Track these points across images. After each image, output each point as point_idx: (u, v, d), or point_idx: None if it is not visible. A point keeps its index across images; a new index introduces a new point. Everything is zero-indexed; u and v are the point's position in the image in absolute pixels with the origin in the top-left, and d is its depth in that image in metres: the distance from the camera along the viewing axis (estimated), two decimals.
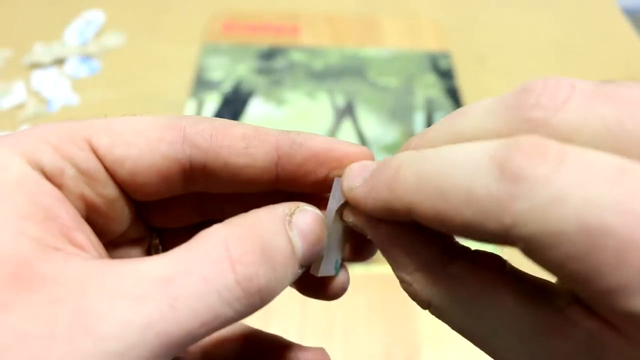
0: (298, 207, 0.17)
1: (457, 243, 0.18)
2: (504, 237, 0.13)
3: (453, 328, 0.17)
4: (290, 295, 0.45)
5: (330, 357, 0.21)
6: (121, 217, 0.18)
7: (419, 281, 0.17)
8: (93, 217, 0.17)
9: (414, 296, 0.17)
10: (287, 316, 0.43)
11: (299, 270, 0.16)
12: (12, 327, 0.12)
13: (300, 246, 0.16)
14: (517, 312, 0.15)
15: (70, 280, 0.13)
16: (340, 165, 0.18)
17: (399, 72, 0.65)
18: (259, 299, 0.15)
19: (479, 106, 0.15)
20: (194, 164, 0.17)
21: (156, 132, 0.17)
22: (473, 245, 0.17)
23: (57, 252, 0.14)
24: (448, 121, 0.16)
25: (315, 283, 0.20)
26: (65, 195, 0.16)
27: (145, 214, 0.20)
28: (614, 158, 0.12)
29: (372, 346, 0.42)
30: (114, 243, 0.19)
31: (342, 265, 0.21)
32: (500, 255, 0.17)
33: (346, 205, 0.18)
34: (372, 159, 0.19)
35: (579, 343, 0.14)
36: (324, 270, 0.19)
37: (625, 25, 0.74)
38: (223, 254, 0.14)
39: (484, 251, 0.17)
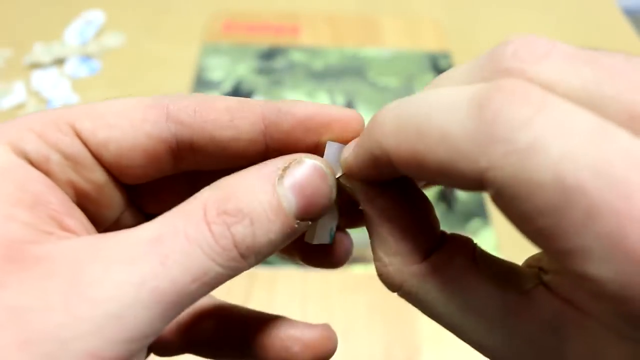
0: (295, 159, 0.16)
1: (438, 229, 0.18)
2: (477, 182, 0.12)
3: (423, 311, 0.17)
4: (291, 295, 0.45)
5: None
6: (112, 202, 0.18)
7: (395, 264, 0.17)
8: (84, 203, 0.17)
9: (386, 277, 0.17)
10: (287, 316, 0.43)
11: (296, 225, 0.16)
12: (6, 304, 0.13)
13: (292, 200, 0.16)
14: (486, 296, 0.15)
15: (62, 255, 0.14)
16: (329, 130, 0.18)
17: (399, 72, 0.65)
18: (238, 254, 0.15)
19: (461, 65, 0.15)
20: (180, 141, 0.17)
21: (139, 113, 0.17)
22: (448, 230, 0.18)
23: (49, 236, 0.14)
24: (432, 83, 0.16)
25: (317, 251, 0.20)
26: (54, 181, 0.16)
27: (139, 201, 0.20)
28: (595, 116, 0.11)
29: (372, 346, 0.42)
30: (108, 231, 0.19)
31: (338, 232, 0.20)
32: (471, 239, 0.18)
33: (343, 175, 0.18)
34: (362, 122, 0.18)
35: (544, 324, 0.14)
36: (320, 238, 0.19)
37: (625, 25, 0.74)
38: (201, 214, 0.15)
39: (459, 235, 0.18)
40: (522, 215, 0.12)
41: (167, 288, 0.13)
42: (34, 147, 0.16)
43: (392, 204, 0.17)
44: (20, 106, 0.60)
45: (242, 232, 0.15)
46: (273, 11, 0.73)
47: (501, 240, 0.49)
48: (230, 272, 0.15)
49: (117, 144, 0.17)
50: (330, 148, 0.18)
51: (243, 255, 0.15)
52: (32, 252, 0.13)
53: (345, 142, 0.18)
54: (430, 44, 0.69)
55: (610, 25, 0.75)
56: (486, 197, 0.53)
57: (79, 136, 0.16)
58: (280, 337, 0.21)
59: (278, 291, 0.45)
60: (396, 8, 0.76)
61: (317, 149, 0.18)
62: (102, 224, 0.18)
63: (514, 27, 0.74)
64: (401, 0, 0.77)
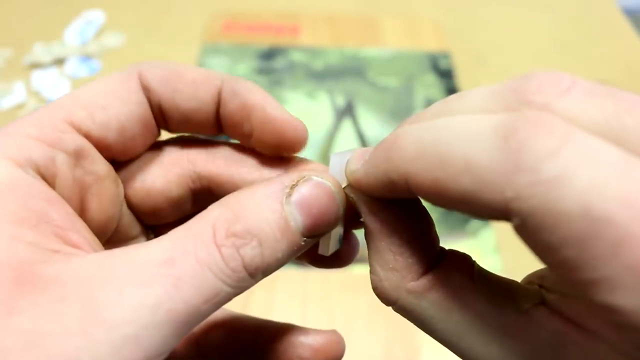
0: (303, 177, 0.16)
1: (438, 245, 0.17)
2: (501, 211, 0.12)
3: (418, 326, 0.17)
4: (291, 296, 0.45)
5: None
6: (113, 195, 0.18)
7: (392, 279, 0.17)
8: (87, 199, 0.17)
9: (381, 292, 0.17)
10: (287, 316, 0.43)
11: (302, 243, 0.16)
12: (23, 329, 0.13)
13: (299, 218, 0.16)
14: (484, 314, 0.15)
15: (74, 276, 0.14)
16: (262, 127, 0.18)
17: (399, 72, 0.65)
18: (248, 275, 0.15)
19: (478, 90, 0.15)
20: (153, 105, 0.18)
21: (121, 86, 0.18)
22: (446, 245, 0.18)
23: (56, 254, 0.14)
24: (445, 102, 0.15)
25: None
26: (60, 183, 0.16)
27: (139, 213, 0.20)
28: (619, 149, 0.12)
29: (372, 346, 0.42)
30: (110, 242, 0.19)
31: (345, 238, 0.20)
32: (470, 256, 0.17)
33: (348, 185, 0.18)
34: (305, 134, 0.19)
35: (544, 343, 0.14)
36: (332, 248, 0.19)
37: (625, 25, 0.74)
38: (210, 236, 0.15)
39: (456, 252, 0.17)
40: (547, 245, 0.12)
41: (181, 309, 0.14)
42: (39, 153, 0.16)
43: (394, 218, 0.17)
44: (20, 106, 0.60)
45: (251, 253, 0.15)
46: (273, 11, 0.73)
47: (501, 240, 0.49)
48: (239, 291, 0.15)
49: (117, 120, 0.17)
50: (335, 159, 0.18)
51: (251, 275, 0.15)
52: (42, 273, 0.14)
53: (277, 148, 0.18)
54: (430, 44, 0.69)
55: (610, 25, 0.75)
56: None
57: (77, 129, 0.17)
58: (291, 345, 0.21)
59: (278, 291, 0.45)
60: (396, 8, 0.76)
61: (249, 138, 0.18)
62: (105, 226, 0.19)
63: (513, 27, 0.74)
64: (401, 1, 0.77)
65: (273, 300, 0.45)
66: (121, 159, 0.19)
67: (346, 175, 0.18)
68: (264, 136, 0.19)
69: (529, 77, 0.14)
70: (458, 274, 0.16)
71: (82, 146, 0.17)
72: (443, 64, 0.66)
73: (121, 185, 0.19)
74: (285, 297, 0.45)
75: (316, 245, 0.18)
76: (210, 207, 0.16)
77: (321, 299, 0.45)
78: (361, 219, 0.18)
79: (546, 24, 0.75)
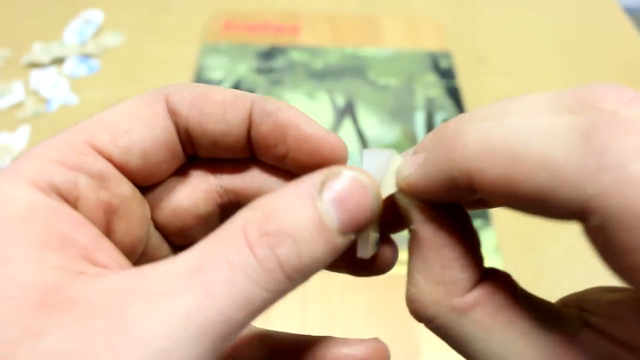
0: (333, 172, 0.16)
1: (483, 264, 0.17)
2: (579, 209, 0.12)
3: (452, 346, 0.16)
4: (291, 296, 0.45)
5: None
6: (140, 216, 0.18)
7: (435, 293, 0.16)
8: (114, 222, 0.17)
9: (419, 306, 0.16)
10: (287, 316, 0.43)
11: (340, 241, 0.15)
12: (49, 350, 0.12)
13: (334, 215, 0.15)
14: (529, 334, 0.15)
15: (100, 295, 0.13)
16: (299, 145, 0.17)
17: (399, 72, 0.65)
18: (285, 276, 0.14)
19: (534, 95, 0.15)
20: (180, 130, 0.18)
21: (146, 110, 0.17)
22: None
23: (82, 276, 0.14)
24: (500, 105, 0.15)
25: (363, 261, 0.19)
26: (83, 205, 0.16)
27: (167, 233, 0.20)
28: None
29: None
30: (139, 264, 0.19)
31: (384, 241, 0.19)
32: (510, 275, 0.17)
33: (398, 191, 0.18)
34: (345, 150, 0.18)
35: None
36: (371, 250, 0.18)
37: (626, 24, 0.74)
38: (242, 238, 0.14)
39: (498, 270, 0.17)
40: (625, 247, 0.11)
41: (214, 319, 0.13)
42: (60, 176, 0.15)
43: (447, 229, 0.16)
44: (18, 105, 0.60)
45: (287, 252, 0.14)
46: (273, 11, 0.73)
47: (501, 241, 0.49)
48: (276, 296, 0.14)
49: (140, 145, 0.17)
50: (369, 156, 0.17)
51: (289, 277, 0.14)
52: (68, 294, 0.13)
53: (315, 166, 0.17)
54: (431, 43, 0.69)
55: (611, 24, 0.75)
56: None
57: (100, 152, 0.16)
58: (334, 357, 0.19)
59: None
60: (396, 8, 0.75)
61: (284, 159, 0.18)
62: (133, 247, 0.18)
63: (514, 27, 0.74)
64: (401, 0, 0.77)
65: (312, 273, 0.44)
66: (144, 184, 0.18)
67: (397, 182, 0.17)
68: (300, 156, 0.18)
69: (591, 87, 0.14)
70: (502, 292, 0.16)
71: (105, 169, 0.16)
72: (443, 63, 0.66)
73: (147, 206, 0.18)
74: (285, 298, 0.45)
75: (353, 251, 0.18)
76: (238, 212, 0.15)
77: (321, 299, 0.45)
78: (411, 227, 0.17)
79: (547, 23, 0.74)
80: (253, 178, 0.19)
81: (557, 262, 0.48)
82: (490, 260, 0.47)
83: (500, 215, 0.52)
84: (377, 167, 0.17)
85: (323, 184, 0.15)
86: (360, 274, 0.20)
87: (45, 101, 0.60)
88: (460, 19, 0.74)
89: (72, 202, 0.16)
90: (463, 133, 0.14)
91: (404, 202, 0.17)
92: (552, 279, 0.47)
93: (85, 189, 0.16)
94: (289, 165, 0.18)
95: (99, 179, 0.16)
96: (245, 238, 0.14)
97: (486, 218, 0.50)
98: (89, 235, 0.15)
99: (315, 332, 0.45)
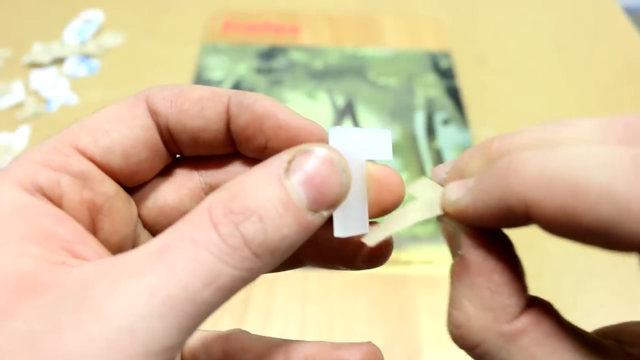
0: (299, 150, 0.16)
1: (528, 291, 0.17)
2: None
3: None
4: (291, 296, 0.45)
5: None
6: (125, 214, 0.18)
7: (483, 319, 0.16)
8: (99, 220, 0.17)
9: (465, 332, 0.16)
10: (287, 316, 0.43)
11: (311, 218, 0.15)
12: (18, 330, 0.13)
13: (301, 192, 0.15)
14: None
15: (73, 280, 0.14)
16: (276, 134, 0.18)
17: (399, 72, 0.65)
18: (251, 253, 0.14)
19: (584, 121, 0.15)
20: (161, 129, 0.18)
21: (127, 111, 0.18)
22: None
23: (61, 265, 0.14)
24: (548, 130, 0.15)
25: (357, 254, 0.19)
26: (66, 204, 0.16)
27: (155, 232, 0.20)
28: None
29: None
30: None
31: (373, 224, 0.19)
32: (552, 303, 0.17)
33: (445, 215, 0.17)
34: (324, 136, 0.18)
35: None
36: (348, 229, 0.17)
37: (626, 24, 0.74)
38: (206, 217, 0.14)
39: (540, 298, 0.17)
40: None
41: (179, 295, 0.13)
42: (44, 177, 0.16)
43: (496, 254, 0.16)
44: (18, 105, 0.60)
45: (252, 229, 0.14)
46: (273, 11, 0.73)
47: None
48: (246, 274, 0.14)
49: (121, 145, 0.17)
50: (335, 133, 0.17)
51: (256, 254, 0.14)
52: (43, 280, 0.14)
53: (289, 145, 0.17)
54: (431, 43, 0.69)
55: (611, 24, 0.75)
56: None
57: (83, 153, 0.17)
58: None
59: (278, 291, 0.44)
60: (396, 8, 0.75)
61: (264, 151, 0.18)
62: (120, 245, 0.18)
63: (514, 27, 0.74)
64: (401, 0, 0.77)
65: (273, 300, 0.45)
66: (129, 184, 0.18)
67: (444, 206, 0.17)
68: (279, 145, 0.18)
69: (637, 115, 0.14)
70: (548, 320, 0.16)
71: (87, 169, 0.17)
72: (443, 63, 0.66)
73: (133, 205, 0.19)
74: (285, 297, 0.45)
75: (346, 249, 0.17)
76: (205, 198, 0.15)
77: (321, 299, 0.45)
78: (458, 252, 0.17)
79: (547, 24, 0.74)
80: (236, 172, 0.19)
81: (557, 262, 0.48)
82: None
83: None
84: (348, 146, 0.17)
85: (290, 162, 0.15)
86: (356, 266, 0.19)
87: (45, 101, 0.60)
88: (460, 19, 0.74)
89: (56, 200, 0.16)
90: (519, 161, 0.14)
91: (451, 226, 0.17)
92: (552, 279, 0.47)
93: (68, 188, 0.16)
94: (270, 156, 0.18)
95: (82, 178, 0.17)
96: (209, 217, 0.14)
97: None
98: (72, 230, 0.16)
99: (315, 332, 0.45)
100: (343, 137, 0.17)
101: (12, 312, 0.13)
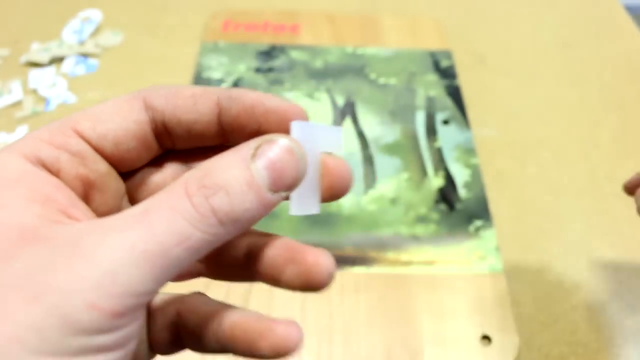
0: (266, 139, 0.19)
1: None
2: None
3: None
4: (291, 296, 0.45)
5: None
6: (114, 190, 0.21)
7: None
8: (91, 193, 0.20)
9: None
10: (287, 316, 0.43)
11: (271, 196, 0.18)
12: (18, 269, 0.15)
13: (264, 174, 0.18)
14: None
15: (68, 233, 0.16)
16: (267, 118, 0.20)
17: (400, 71, 0.65)
18: (217, 221, 0.17)
19: None
20: (157, 124, 0.21)
21: (125, 105, 0.20)
22: None
23: (57, 223, 0.17)
24: None
25: (294, 272, 0.20)
26: (64, 176, 0.19)
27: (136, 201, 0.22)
28: None
29: (373, 347, 0.42)
30: None
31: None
32: None
33: None
34: (305, 116, 0.21)
35: None
36: (302, 208, 0.20)
37: (628, 23, 0.74)
38: (183, 189, 0.17)
39: None
40: None
41: (154, 249, 0.16)
42: (46, 152, 0.19)
43: None
44: (16, 104, 0.59)
45: (219, 201, 0.17)
46: (273, 10, 0.73)
47: (502, 241, 0.49)
48: (212, 238, 0.17)
49: (114, 134, 0.20)
50: (296, 126, 0.19)
51: (222, 222, 0.17)
52: (42, 232, 0.16)
53: (285, 131, 0.20)
54: (431, 42, 0.69)
55: (612, 23, 0.74)
56: (488, 198, 0.52)
57: (81, 136, 0.20)
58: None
59: (278, 291, 0.44)
60: (397, 7, 0.75)
61: (256, 135, 0.20)
62: (108, 214, 0.21)
63: (515, 26, 0.73)
64: None
65: (273, 300, 0.44)
66: (121, 169, 0.21)
67: None
68: (270, 128, 0.20)
69: None
70: None
71: (84, 149, 0.20)
72: (444, 63, 0.66)
73: (122, 183, 0.22)
74: (285, 297, 0.44)
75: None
76: (184, 174, 0.18)
77: (321, 299, 0.44)
78: None
79: (548, 22, 0.74)
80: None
81: (557, 262, 0.48)
82: (491, 260, 0.47)
83: (501, 215, 0.51)
84: (307, 138, 0.20)
85: (257, 149, 0.18)
86: (289, 286, 0.20)
87: (43, 100, 0.60)
88: (461, 18, 0.74)
89: (55, 173, 0.19)
90: None
91: None
92: (552, 280, 0.46)
93: (67, 163, 0.19)
94: None
95: (79, 157, 0.20)
96: (185, 190, 0.17)
97: (487, 219, 0.50)
98: (67, 197, 0.19)
99: (315, 332, 0.45)
100: (303, 130, 0.20)
101: (14, 255, 0.15)
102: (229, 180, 0.17)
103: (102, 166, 0.20)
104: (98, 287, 0.15)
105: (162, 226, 0.16)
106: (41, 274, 0.15)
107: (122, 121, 0.20)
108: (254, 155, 0.18)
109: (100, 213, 0.20)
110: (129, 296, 0.15)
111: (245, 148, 0.18)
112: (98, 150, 0.20)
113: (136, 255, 0.15)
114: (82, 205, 0.19)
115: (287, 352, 0.20)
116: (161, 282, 0.16)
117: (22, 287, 0.15)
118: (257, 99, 0.20)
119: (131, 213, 0.17)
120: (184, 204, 0.17)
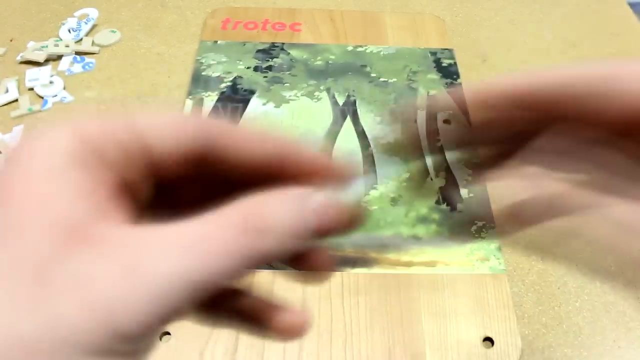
0: (322, 191, 0.20)
1: None
2: None
3: None
4: (291, 296, 0.44)
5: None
6: (143, 197, 0.21)
7: None
8: (122, 194, 0.20)
9: None
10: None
11: (306, 242, 0.19)
12: (72, 271, 0.16)
13: (311, 221, 0.19)
14: None
15: (119, 238, 0.17)
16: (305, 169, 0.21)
17: (401, 70, 0.64)
18: (263, 258, 0.18)
19: None
20: (201, 152, 0.21)
21: (181, 122, 0.21)
22: None
23: (104, 222, 0.17)
24: None
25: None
26: (107, 169, 0.19)
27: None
28: None
29: (373, 348, 0.42)
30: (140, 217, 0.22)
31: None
32: None
33: None
34: (328, 164, 0.22)
35: None
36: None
37: (633, 20, 0.73)
38: (236, 223, 0.18)
39: None
40: None
41: (206, 280, 0.17)
42: (101, 141, 0.19)
43: None
44: (13, 103, 0.59)
45: (269, 242, 0.18)
46: (273, 7, 0.72)
47: (503, 242, 0.48)
48: (252, 269, 0.18)
49: (162, 143, 0.20)
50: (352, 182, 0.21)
51: (265, 260, 0.18)
52: (92, 233, 0.17)
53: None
54: (433, 40, 0.68)
55: (618, 21, 0.74)
56: (489, 198, 0.52)
57: (139, 136, 0.20)
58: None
59: (278, 291, 0.44)
60: (398, 5, 0.75)
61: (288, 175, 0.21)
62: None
63: (517, 24, 0.73)
64: None
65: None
66: (159, 171, 0.21)
67: None
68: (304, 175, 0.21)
69: None
70: None
71: (136, 148, 0.20)
72: (446, 61, 0.65)
73: (151, 191, 0.22)
74: (285, 298, 0.44)
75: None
76: (241, 201, 0.19)
77: (321, 300, 0.44)
78: None
79: (551, 20, 0.73)
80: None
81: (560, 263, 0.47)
82: (493, 262, 0.46)
83: (502, 216, 0.51)
84: (352, 191, 0.22)
85: (308, 197, 0.19)
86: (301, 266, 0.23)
87: (40, 99, 0.59)
88: (462, 16, 0.73)
89: (101, 163, 0.19)
90: None
91: None
92: (555, 280, 0.46)
93: (115, 158, 0.19)
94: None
95: (128, 154, 0.20)
96: (243, 226, 0.18)
97: (489, 219, 0.49)
98: (108, 192, 0.19)
99: (315, 332, 0.44)
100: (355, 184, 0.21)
101: (67, 256, 0.16)
102: (281, 224, 0.18)
103: (144, 171, 0.20)
104: (150, 306, 0.16)
105: (218, 264, 0.17)
106: (97, 281, 0.16)
107: (174, 133, 0.20)
108: (305, 202, 0.19)
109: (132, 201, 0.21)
110: (173, 316, 0.17)
111: (299, 192, 0.20)
112: (148, 155, 0.20)
113: (190, 285, 0.17)
114: (118, 202, 0.19)
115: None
116: (195, 304, 0.17)
117: (79, 291, 0.15)
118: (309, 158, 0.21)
119: (186, 236, 0.17)
120: (237, 240, 0.18)
